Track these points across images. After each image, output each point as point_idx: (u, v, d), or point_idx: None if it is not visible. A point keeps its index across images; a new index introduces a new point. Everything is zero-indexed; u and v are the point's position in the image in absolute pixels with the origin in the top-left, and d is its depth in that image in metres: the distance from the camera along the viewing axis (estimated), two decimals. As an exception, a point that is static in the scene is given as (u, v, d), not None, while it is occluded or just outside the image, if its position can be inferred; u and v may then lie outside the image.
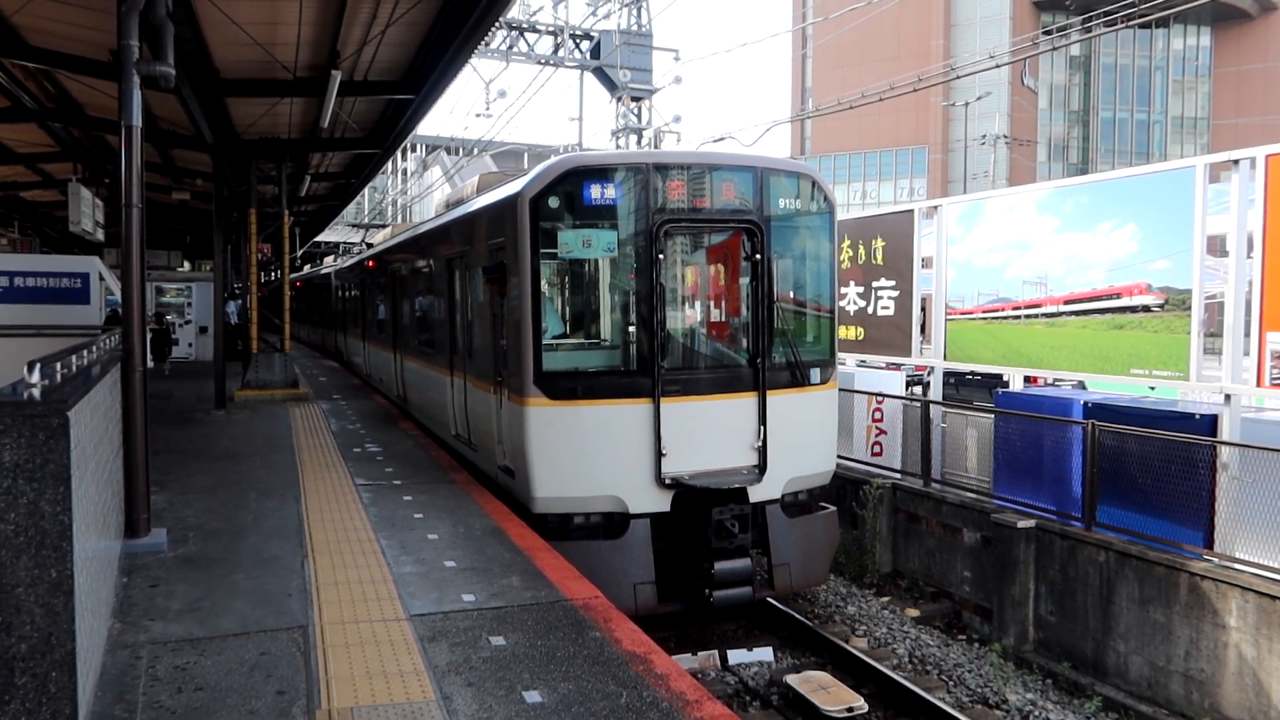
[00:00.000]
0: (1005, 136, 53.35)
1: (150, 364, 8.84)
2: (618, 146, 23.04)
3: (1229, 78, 71.09)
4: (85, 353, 5.96)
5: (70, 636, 3.44)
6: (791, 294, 9.07)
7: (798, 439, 8.74)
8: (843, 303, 13.68)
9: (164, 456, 10.05)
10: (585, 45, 22.44)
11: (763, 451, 8.47)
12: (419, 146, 52.00)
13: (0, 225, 25.98)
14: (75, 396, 3.76)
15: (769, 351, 8.59)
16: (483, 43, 11.37)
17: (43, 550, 3.38)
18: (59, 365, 4.58)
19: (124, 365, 6.64)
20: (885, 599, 10.73)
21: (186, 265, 33.40)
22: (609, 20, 22.75)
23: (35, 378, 3.69)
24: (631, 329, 8.38)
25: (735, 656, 8.64)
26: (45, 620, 3.39)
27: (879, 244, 13.32)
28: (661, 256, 8.21)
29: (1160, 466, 8.55)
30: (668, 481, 8.12)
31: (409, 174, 52.16)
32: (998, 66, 19.09)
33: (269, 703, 4.28)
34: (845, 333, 13.75)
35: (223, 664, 4.69)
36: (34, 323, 15.09)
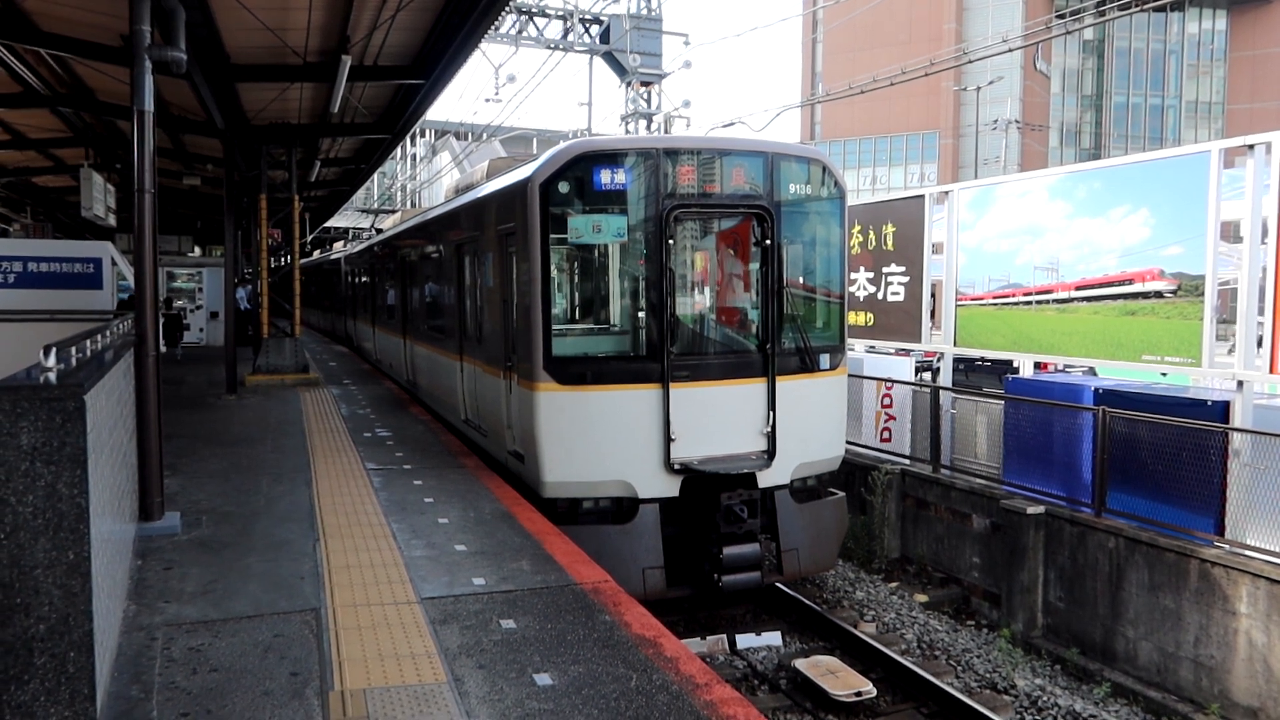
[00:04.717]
0: (1017, 121, 53.02)
1: (163, 349, 8.89)
2: (627, 131, 22.97)
3: (1244, 62, 70.38)
4: (99, 337, 6.01)
5: (87, 618, 3.48)
6: (801, 279, 9.06)
7: (807, 425, 8.74)
8: (853, 288, 13.64)
9: (176, 441, 10.11)
10: (594, 29, 22.34)
11: (772, 437, 8.48)
12: (428, 132, 51.98)
13: (13, 210, 26.10)
14: (91, 380, 3.79)
15: (778, 337, 8.58)
16: (492, 27, 11.33)
17: (60, 532, 3.41)
18: (74, 350, 4.61)
19: (137, 350, 6.68)
20: (894, 584, 10.75)
21: (197, 251, 33.50)
22: (618, 4, 22.67)
23: (51, 362, 3.72)
24: (641, 314, 8.38)
25: (744, 641, 8.67)
26: (63, 602, 3.43)
27: (889, 229, 13.28)
28: (671, 242, 8.20)
29: (1171, 453, 8.53)
30: (677, 467, 8.14)
31: (418, 159, 52.15)
32: (1010, 50, 18.94)
33: (282, 684, 4.32)
34: (855, 318, 13.72)
35: (237, 646, 4.73)
36: (47, 308, 15.19)
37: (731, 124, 21.94)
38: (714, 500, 8.16)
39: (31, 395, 3.38)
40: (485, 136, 33.14)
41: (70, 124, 15.70)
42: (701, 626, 8.96)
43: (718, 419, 8.37)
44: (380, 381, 17.11)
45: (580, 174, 8.15)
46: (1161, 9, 65.92)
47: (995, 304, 11.57)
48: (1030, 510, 9.38)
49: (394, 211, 32.78)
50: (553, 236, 8.17)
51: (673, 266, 8.22)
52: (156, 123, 7.13)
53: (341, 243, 37.13)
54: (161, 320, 13.83)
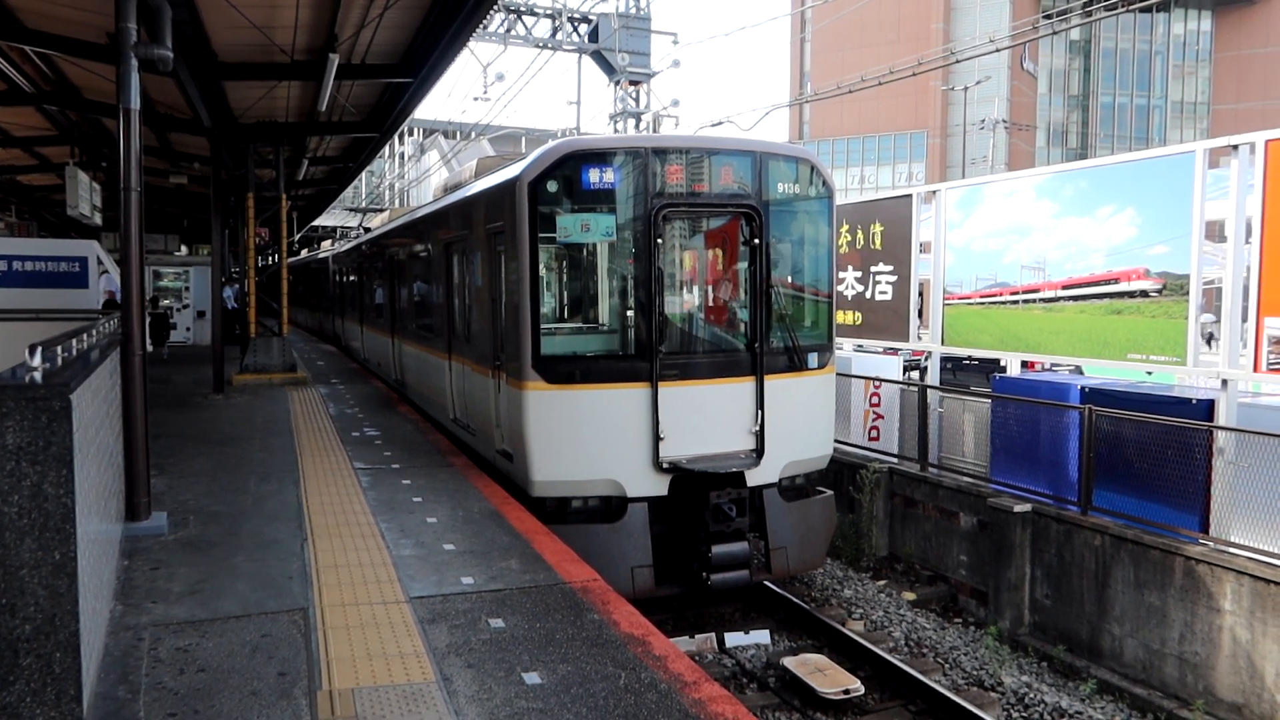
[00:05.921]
0: (1004, 121, 53.19)
1: (149, 348, 8.85)
2: (616, 130, 22.97)
3: (1229, 62, 70.85)
4: (85, 337, 5.97)
5: (74, 618, 3.47)
6: (789, 278, 9.08)
7: (795, 423, 8.76)
8: (841, 287, 13.68)
9: (163, 440, 10.06)
10: (583, 28, 22.32)
11: (760, 436, 8.50)
12: (416, 130, 51.83)
13: (-3, 209, 25.92)
14: (77, 380, 3.78)
15: (767, 336, 8.60)
16: (480, 25, 11.31)
17: (46, 532, 3.40)
18: (60, 349, 4.58)
19: (123, 349, 6.65)
20: (882, 582, 10.79)
21: (184, 249, 33.33)
22: (607, 3, 22.64)
23: (37, 361, 3.70)
24: (630, 313, 8.39)
25: (732, 639, 8.69)
26: (49, 602, 3.42)
27: (877, 229, 13.32)
28: (660, 241, 8.21)
29: (1157, 451, 8.59)
30: (665, 465, 8.15)
31: (406, 158, 51.98)
32: (997, 51, 19.02)
33: (270, 684, 4.31)
34: (843, 318, 13.76)
35: (224, 646, 4.72)
36: (32, 307, 15.07)
37: (720, 123, 21.97)
38: (703, 499, 8.17)
39: (17, 395, 3.36)
40: (474, 135, 33.10)
41: (55, 122, 15.60)
42: (690, 625, 8.98)
43: (706, 418, 8.38)
44: (368, 380, 17.06)
45: (569, 173, 8.15)
46: (1147, 10, 66.27)
47: (982, 303, 11.62)
48: (1017, 508, 9.43)
49: (382, 210, 32.69)
50: (541, 235, 8.17)
51: (661, 265, 8.22)
52: (143, 121, 7.09)
53: (329, 241, 37.01)
54: (148, 319, 13.76)
